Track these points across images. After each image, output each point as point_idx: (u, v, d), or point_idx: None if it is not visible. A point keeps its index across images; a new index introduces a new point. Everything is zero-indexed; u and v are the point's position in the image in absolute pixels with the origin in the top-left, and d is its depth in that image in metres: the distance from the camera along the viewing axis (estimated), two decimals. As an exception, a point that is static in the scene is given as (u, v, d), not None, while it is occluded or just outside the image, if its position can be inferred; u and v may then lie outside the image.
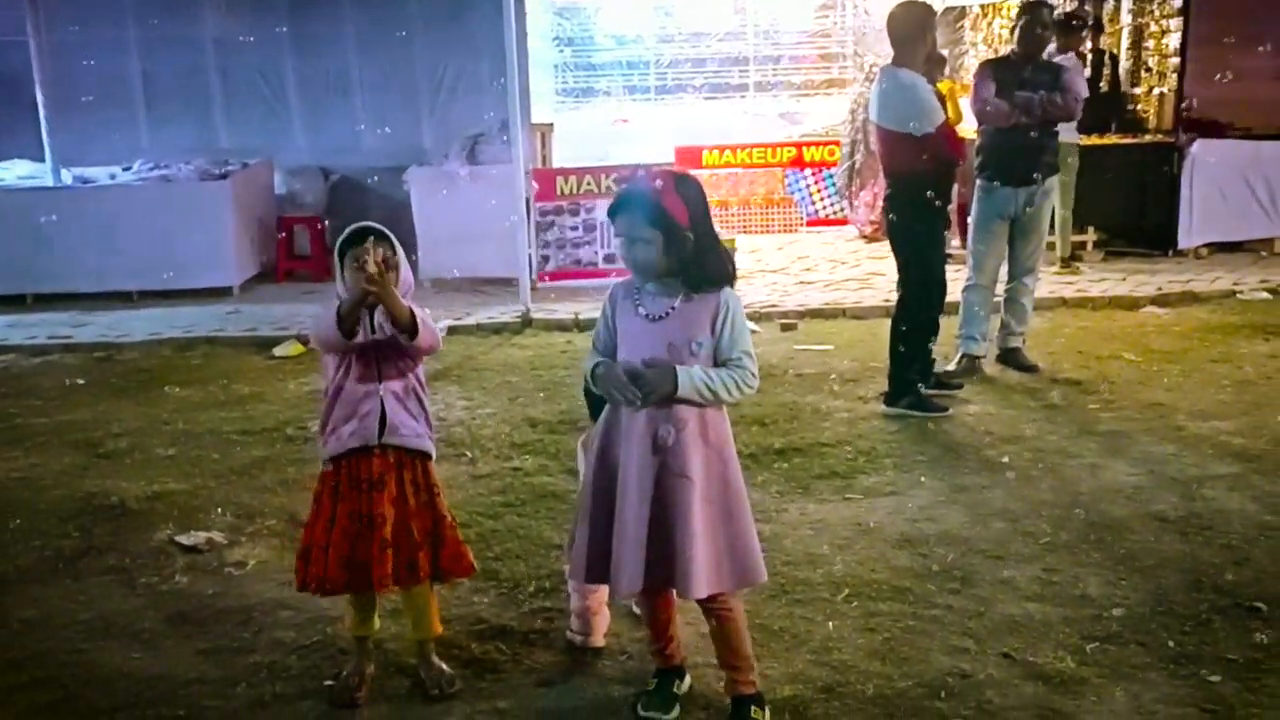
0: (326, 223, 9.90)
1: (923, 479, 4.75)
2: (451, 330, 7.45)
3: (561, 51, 11.69)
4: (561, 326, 7.76)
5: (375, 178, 10.47)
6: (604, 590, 3.27)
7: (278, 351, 7.32)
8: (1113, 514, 4.32)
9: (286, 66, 10.88)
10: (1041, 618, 3.54)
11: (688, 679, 3.19)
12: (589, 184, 8.97)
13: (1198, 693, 3.11)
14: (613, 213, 2.92)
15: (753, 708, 2.99)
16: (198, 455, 5.34)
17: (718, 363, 2.90)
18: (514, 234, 8.10)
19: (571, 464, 5.03)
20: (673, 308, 2.90)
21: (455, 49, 10.67)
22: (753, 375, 2.91)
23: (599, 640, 3.40)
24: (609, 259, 9.04)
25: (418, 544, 3.10)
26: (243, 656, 3.45)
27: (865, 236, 10.12)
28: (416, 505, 3.14)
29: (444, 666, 3.25)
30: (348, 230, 3.13)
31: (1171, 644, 3.36)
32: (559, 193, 8.95)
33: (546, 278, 8.93)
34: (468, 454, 5.21)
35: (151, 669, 3.40)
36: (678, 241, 2.85)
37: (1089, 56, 9.82)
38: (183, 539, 4.30)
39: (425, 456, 3.20)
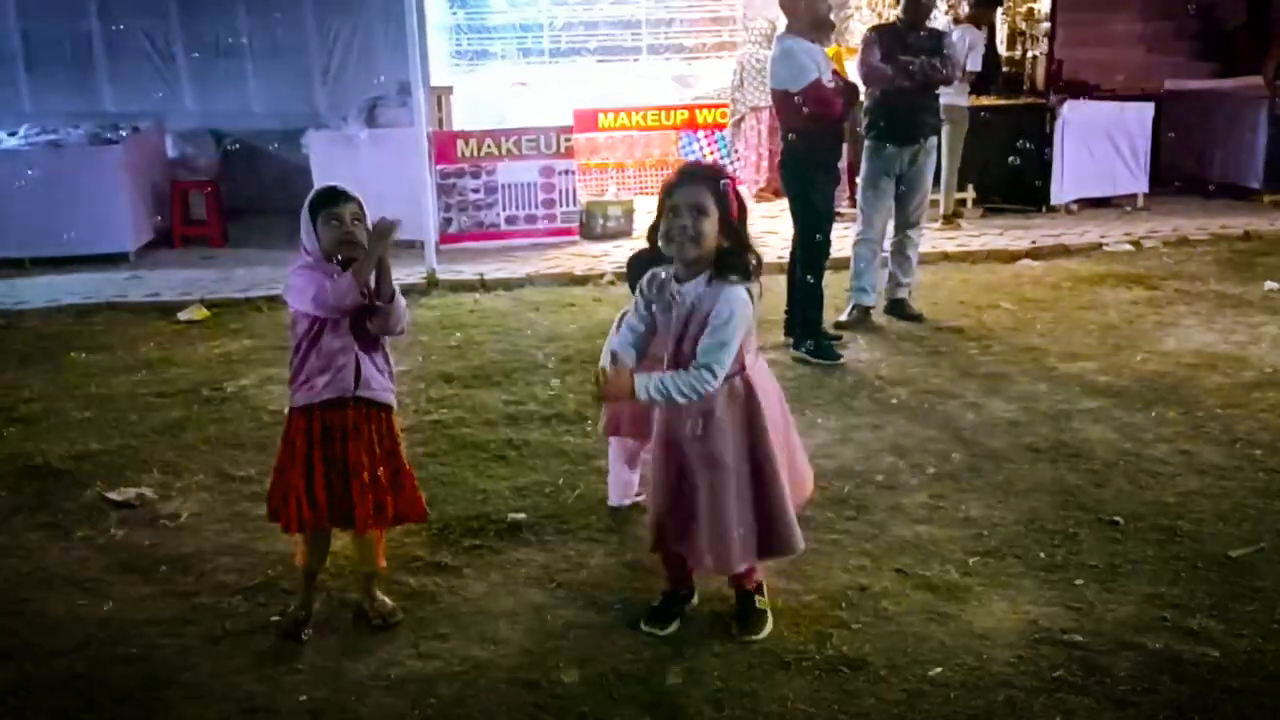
0: (222, 187, 9.83)
1: (819, 420, 5.09)
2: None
3: (455, 14, 11.68)
4: (468, 287, 7.92)
5: (272, 142, 10.43)
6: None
7: (182, 316, 7.33)
8: (991, 446, 4.73)
9: (174, 29, 10.73)
10: (929, 538, 3.91)
11: (695, 596, 3.49)
12: (489, 147, 9.11)
13: (1065, 594, 3.51)
14: (678, 184, 3.11)
15: (756, 598, 3.38)
16: (115, 417, 5.40)
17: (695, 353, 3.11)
18: (418, 196, 8.20)
19: (487, 415, 5.27)
20: (698, 299, 3.12)
21: (348, 11, 10.67)
22: (710, 382, 3.05)
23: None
24: (510, 220, 9.22)
25: (385, 489, 3.33)
26: (189, 599, 3.62)
27: (754, 196, 10.46)
28: (381, 453, 3.36)
29: (386, 599, 3.47)
30: (317, 190, 3.29)
31: (1043, 555, 3.76)
32: (460, 155, 9.07)
33: (450, 240, 9.07)
34: (390, 401, 5.36)
35: (100, 613, 3.54)
36: (729, 226, 3.11)
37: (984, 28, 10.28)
38: (113, 495, 4.40)
39: (389, 409, 3.41)
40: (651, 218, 3.22)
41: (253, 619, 3.48)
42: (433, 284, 7.94)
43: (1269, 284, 7.24)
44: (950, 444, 4.77)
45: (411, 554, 3.85)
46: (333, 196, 3.26)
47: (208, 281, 8.26)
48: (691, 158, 11.28)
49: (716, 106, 11.49)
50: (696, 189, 3.09)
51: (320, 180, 9.17)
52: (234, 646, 3.33)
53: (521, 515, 4.12)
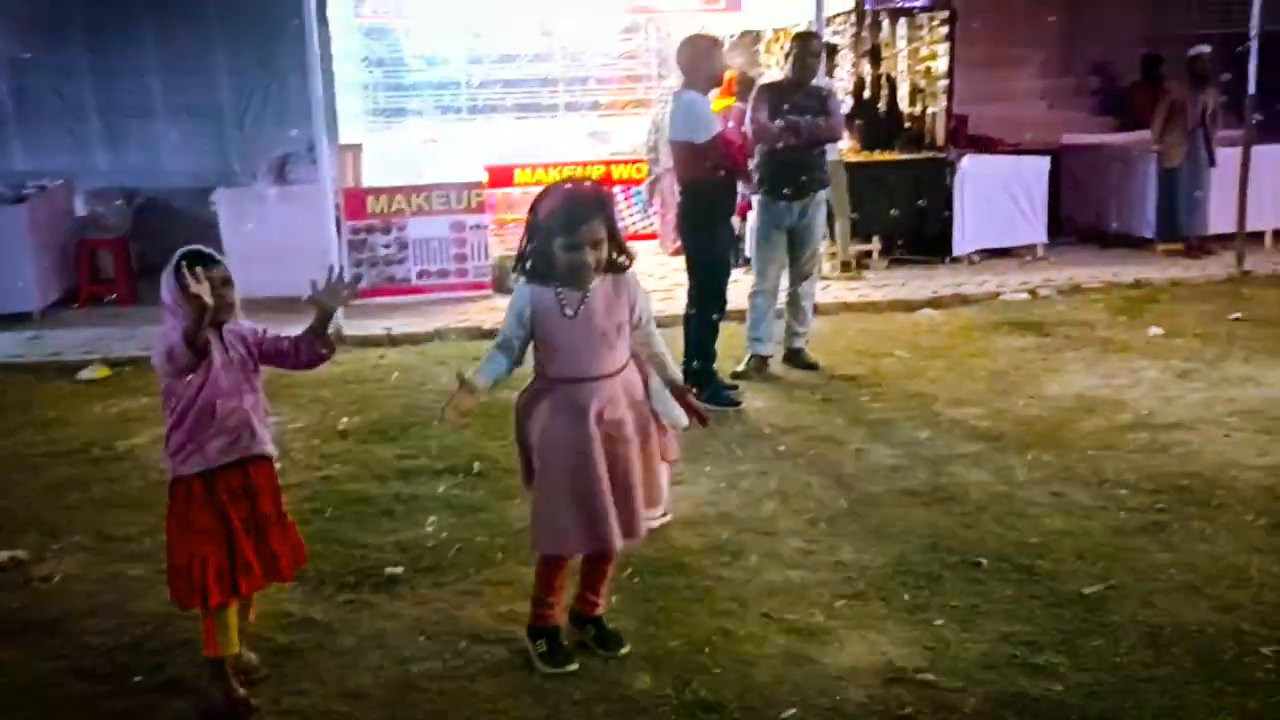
0: (131, 246, 9.77)
1: (708, 468, 5.18)
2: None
3: (371, 72, 11.79)
4: (375, 342, 7.94)
5: (181, 199, 10.38)
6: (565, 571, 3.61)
7: (83, 375, 7.25)
8: (870, 490, 4.84)
9: (85, 86, 10.67)
10: (800, 582, 3.99)
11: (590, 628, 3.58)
12: (400, 203, 9.17)
13: (924, 634, 3.60)
14: (573, 225, 3.19)
15: (603, 621, 3.59)
16: (0, 479, 5.33)
17: (633, 329, 3.37)
18: (325, 252, 8.22)
19: (379, 470, 5.28)
20: (585, 301, 3.27)
21: (262, 69, 10.68)
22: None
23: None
24: (422, 275, 9.27)
25: (290, 535, 3.38)
26: (51, 661, 3.57)
27: (670, 251, 10.61)
28: (276, 500, 3.39)
29: (252, 655, 3.46)
30: (184, 252, 3.22)
31: (907, 597, 3.86)
32: (370, 212, 9.12)
33: (360, 295, 9.08)
34: (277, 465, 5.35)
35: (-43, 678, 3.49)
36: (613, 234, 3.28)
37: (867, 79, 10.61)
38: (-15, 558, 4.34)
39: (271, 459, 3.43)
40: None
41: (113, 683, 3.44)
42: (339, 339, 7.94)
43: (1153, 330, 7.50)
44: (831, 489, 4.87)
45: (284, 610, 3.84)
46: (202, 259, 3.23)
47: (112, 340, 8.17)
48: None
49: (632, 162, 11.68)
50: (593, 225, 3.21)
51: (230, 238, 9.27)
52: (94, 709, 3.30)
53: (399, 569, 4.14)
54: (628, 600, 3.86)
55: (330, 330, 3.40)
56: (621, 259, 3.33)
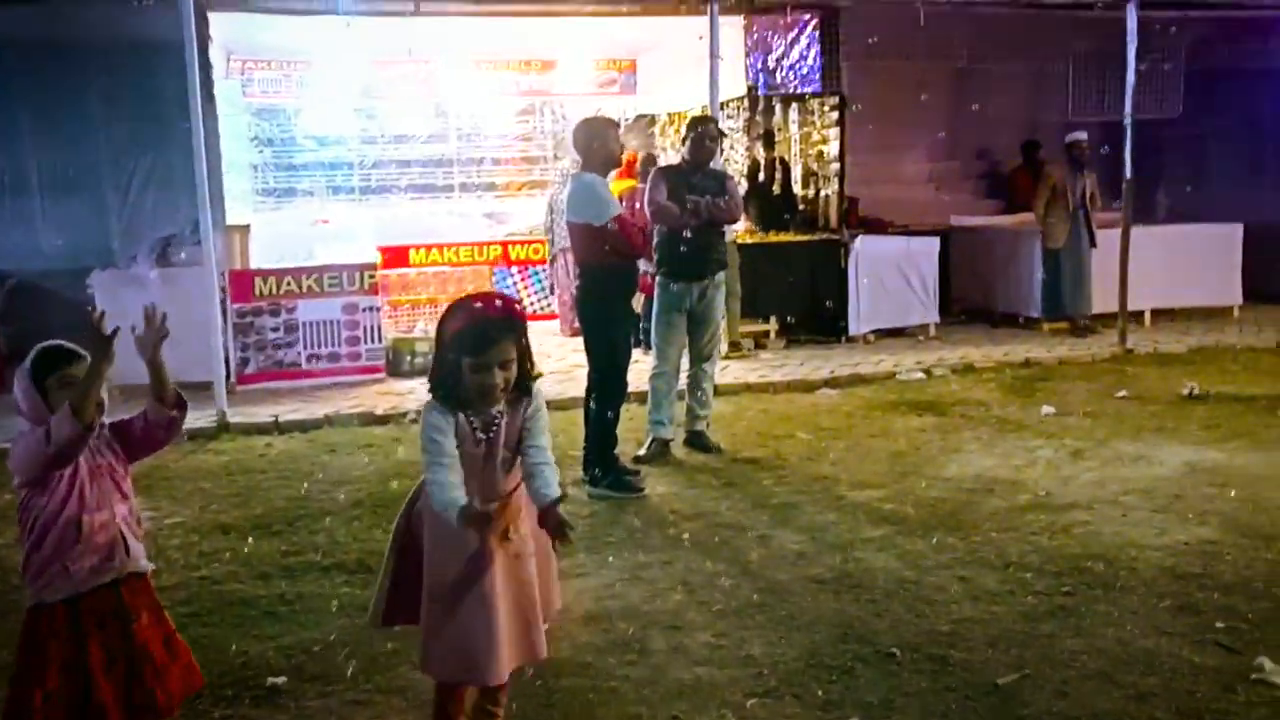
0: (3, 329, 9.27)
1: (610, 559, 5.00)
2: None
3: (261, 152, 11.56)
4: (261, 430, 7.61)
5: (62, 283, 9.93)
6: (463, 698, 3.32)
7: (-60, 469, 6.77)
8: (778, 579, 4.72)
9: (-47, 163, 10.22)
10: (709, 680, 3.83)
11: None
12: (289, 284, 8.91)
13: (839, 734, 3.46)
14: (482, 346, 3.02)
15: None
16: None
17: (522, 446, 3.20)
18: (207, 336, 7.91)
19: (262, 567, 4.98)
20: (495, 426, 3.13)
21: (146, 147, 10.36)
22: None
23: None
24: (312, 359, 8.98)
25: (169, 661, 3.05)
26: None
27: (569, 333, 10.53)
28: (155, 622, 3.08)
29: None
30: (41, 349, 2.96)
31: (820, 693, 3.72)
32: (258, 294, 8.83)
33: (248, 380, 8.76)
34: (151, 566, 5.01)
35: None
36: (524, 354, 3.14)
37: (761, 162, 10.76)
38: None
39: (146, 575, 3.13)
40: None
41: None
42: (223, 428, 7.60)
43: (1046, 409, 7.61)
44: (738, 579, 4.74)
45: (153, 729, 3.53)
46: (64, 356, 2.96)
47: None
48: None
49: (529, 243, 11.63)
50: (504, 346, 3.08)
51: (109, 323, 8.85)
52: None
53: (281, 679, 3.85)
54: (529, 706, 3.64)
55: (171, 383, 3.06)
56: (530, 380, 3.21)
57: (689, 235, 6.47)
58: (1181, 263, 10.71)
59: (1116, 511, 5.44)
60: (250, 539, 5.36)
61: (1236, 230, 10.96)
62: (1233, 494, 5.63)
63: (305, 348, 8.97)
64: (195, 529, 5.55)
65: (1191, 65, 12.23)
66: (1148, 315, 10.80)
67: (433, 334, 8.29)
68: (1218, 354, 9.44)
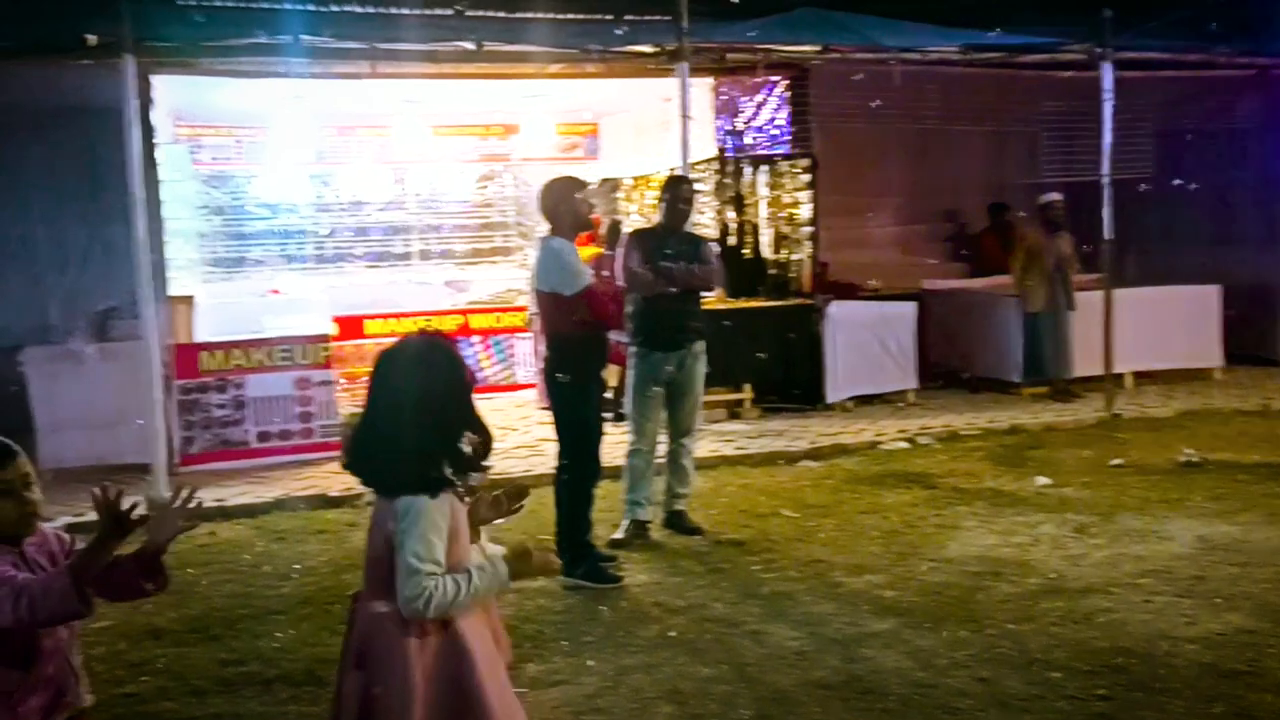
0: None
1: (590, 662, 4.50)
2: (71, 529, 6.57)
3: (210, 220, 11.07)
4: (205, 516, 7.02)
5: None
6: None
7: None
8: (779, 685, 4.24)
9: (-121, 237, 9.65)
10: (712, 813, 3.34)
11: None
12: (238, 358, 8.39)
13: None
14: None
15: None
16: None
17: None
18: (148, 415, 7.37)
19: (196, 680, 4.44)
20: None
21: (86, 218, 9.87)
22: None
23: None
24: (262, 437, 8.43)
25: None
26: None
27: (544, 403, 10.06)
28: None
29: None
30: None
31: (840, 827, 3.24)
32: (203, 369, 8.30)
33: (192, 460, 8.19)
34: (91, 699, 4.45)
35: None
36: None
37: (731, 226, 10.44)
38: None
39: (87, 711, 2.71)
40: None
41: None
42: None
43: (1040, 479, 7.23)
44: (733, 684, 4.26)
45: None
46: None
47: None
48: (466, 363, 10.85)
49: (491, 311, 11.19)
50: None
51: (41, 403, 8.30)
52: None
53: (214, 826, 3.32)
54: None
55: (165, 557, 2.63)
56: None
57: (666, 302, 6.06)
58: (1162, 324, 10.45)
59: (1138, 596, 5.02)
60: (185, 645, 4.81)
61: (1215, 291, 10.75)
62: (1258, 575, 5.24)
63: (254, 425, 8.42)
64: (124, 634, 4.98)
65: (1161, 125, 12.12)
66: (1128, 379, 10.50)
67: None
68: (1207, 418, 9.13)
